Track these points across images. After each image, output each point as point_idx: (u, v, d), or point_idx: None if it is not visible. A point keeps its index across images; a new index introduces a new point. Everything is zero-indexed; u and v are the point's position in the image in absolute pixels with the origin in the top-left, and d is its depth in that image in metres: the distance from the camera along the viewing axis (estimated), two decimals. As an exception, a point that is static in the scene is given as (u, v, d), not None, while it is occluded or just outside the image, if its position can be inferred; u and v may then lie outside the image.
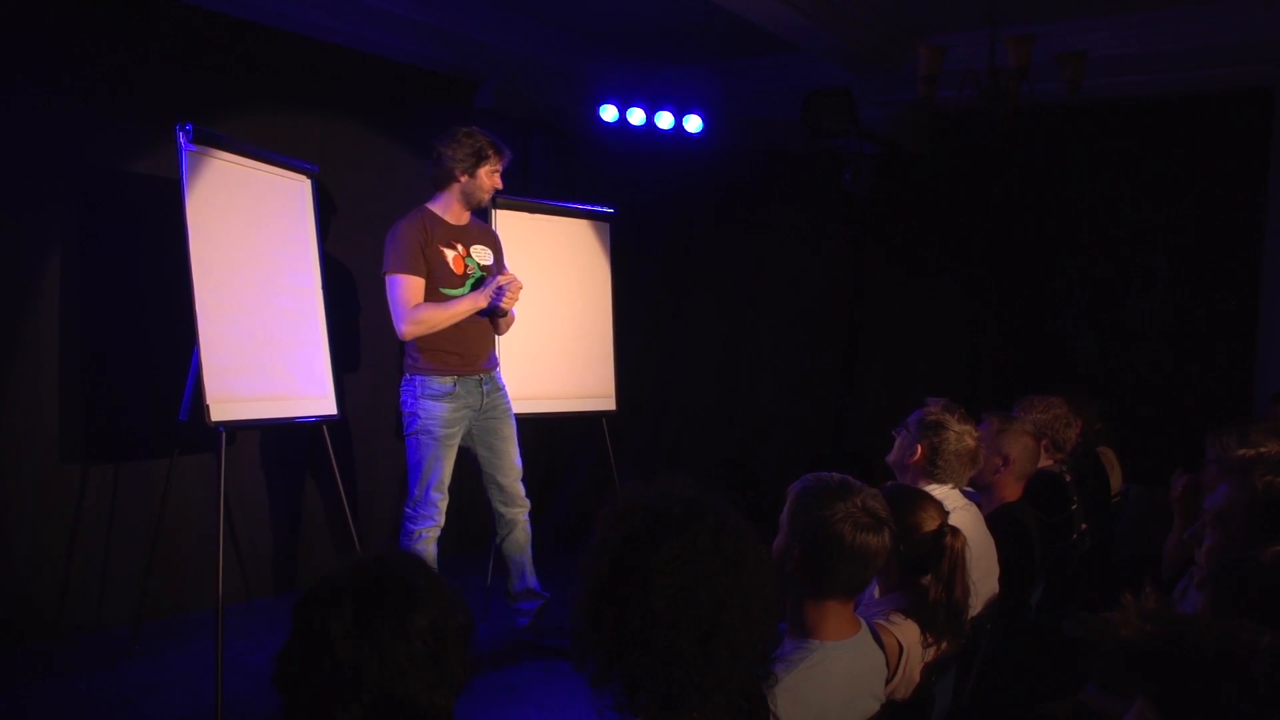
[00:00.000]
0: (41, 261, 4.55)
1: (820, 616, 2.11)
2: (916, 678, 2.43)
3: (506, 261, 4.73)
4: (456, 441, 4.50)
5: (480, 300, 4.41)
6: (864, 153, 6.24)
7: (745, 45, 6.44)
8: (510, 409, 4.70)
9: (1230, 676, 1.18)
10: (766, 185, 7.28)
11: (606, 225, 6.06)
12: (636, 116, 6.52)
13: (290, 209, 4.84)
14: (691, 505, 1.58)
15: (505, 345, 5.17)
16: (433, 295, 4.44)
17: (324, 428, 4.80)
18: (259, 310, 4.54)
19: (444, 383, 4.43)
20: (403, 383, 4.52)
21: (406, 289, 4.36)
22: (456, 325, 4.42)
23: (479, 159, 4.46)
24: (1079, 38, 5.51)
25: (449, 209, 4.53)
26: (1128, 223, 6.50)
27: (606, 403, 5.92)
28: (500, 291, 4.41)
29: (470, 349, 4.49)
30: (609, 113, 6.50)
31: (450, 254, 4.49)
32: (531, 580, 4.77)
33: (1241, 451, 3.19)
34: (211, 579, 4.07)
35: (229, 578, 4.73)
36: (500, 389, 4.67)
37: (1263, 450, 2.53)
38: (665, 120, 6.56)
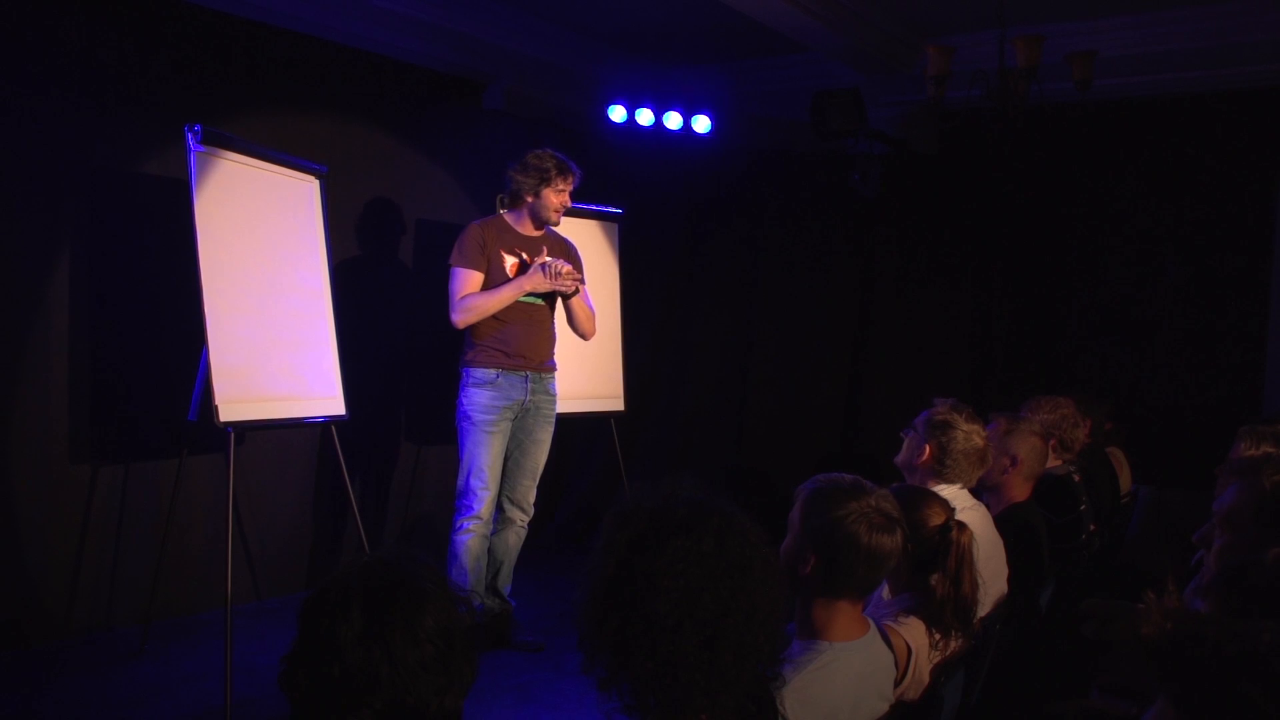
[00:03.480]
0: (51, 262, 4.56)
1: (830, 617, 2.11)
2: (926, 679, 2.43)
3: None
4: (499, 431, 4.62)
5: (524, 284, 4.55)
6: (872, 153, 6.23)
7: (754, 46, 6.43)
8: (553, 415, 4.81)
9: (1252, 676, 1.18)
10: (775, 185, 7.28)
11: (615, 225, 6.06)
12: (645, 117, 6.53)
13: (299, 209, 4.85)
14: (696, 507, 1.58)
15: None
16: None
17: (333, 428, 4.81)
18: (268, 310, 4.55)
19: (487, 373, 4.60)
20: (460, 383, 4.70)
21: (462, 281, 4.56)
22: (506, 322, 4.59)
23: (543, 180, 4.62)
24: (1088, 38, 5.49)
25: (520, 222, 4.71)
26: (1137, 223, 6.48)
27: (615, 403, 5.93)
28: (544, 269, 4.54)
29: (517, 346, 4.63)
30: (617, 113, 6.51)
31: (510, 260, 4.63)
32: (504, 585, 4.84)
33: (1250, 452, 3.19)
34: (221, 579, 4.08)
35: (238, 578, 4.74)
36: (548, 392, 4.77)
37: (1270, 450, 2.52)
38: (673, 121, 6.57)
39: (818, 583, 2.11)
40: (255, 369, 4.39)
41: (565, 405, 5.71)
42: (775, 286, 7.34)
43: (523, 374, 4.64)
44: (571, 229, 5.78)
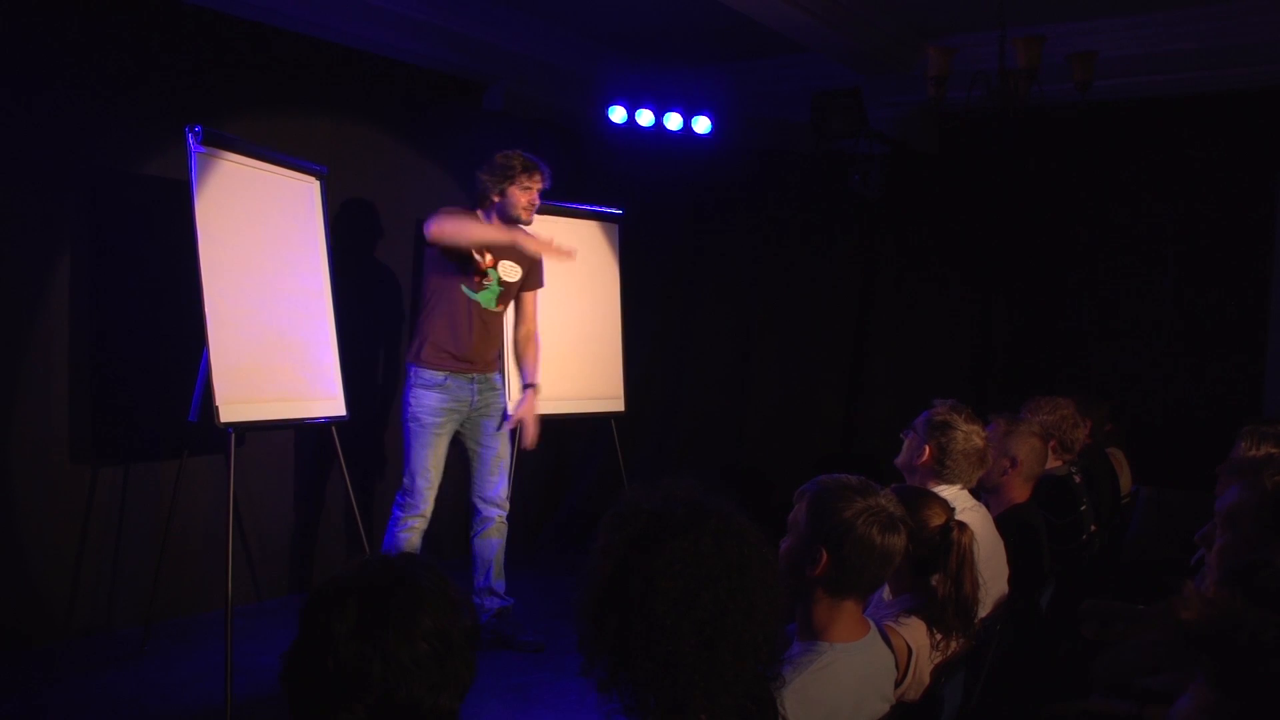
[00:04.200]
0: (51, 262, 4.56)
1: (832, 618, 2.11)
2: (926, 679, 2.43)
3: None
4: (445, 433, 4.67)
5: (519, 237, 4.60)
6: (873, 154, 6.24)
7: (754, 46, 6.44)
8: (504, 411, 4.85)
9: None
10: (775, 186, 7.27)
11: (615, 226, 6.06)
12: (645, 118, 6.53)
13: (299, 210, 4.85)
14: (694, 508, 1.58)
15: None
16: (451, 289, 4.63)
17: (333, 428, 4.81)
18: (268, 311, 4.55)
19: (435, 375, 4.63)
20: (405, 380, 4.72)
21: (446, 210, 4.60)
22: (458, 324, 4.61)
23: (507, 177, 4.65)
24: (1089, 38, 5.50)
25: (489, 222, 4.70)
26: (1137, 223, 6.49)
27: (615, 404, 5.93)
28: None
29: (466, 350, 4.66)
30: (618, 114, 6.51)
31: (477, 257, 4.63)
32: (496, 582, 4.88)
33: (1251, 452, 3.19)
34: (221, 580, 4.08)
35: (239, 579, 4.74)
36: (495, 390, 4.82)
37: (1271, 451, 2.53)
38: (674, 121, 6.57)
39: (826, 583, 2.11)
40: (256, 370, 4.39)
41: (565, 406, 5.73)
42: (775, 287, 7.34)
43: (470, 377, 4.69)
44: (572, 229, 5.81)
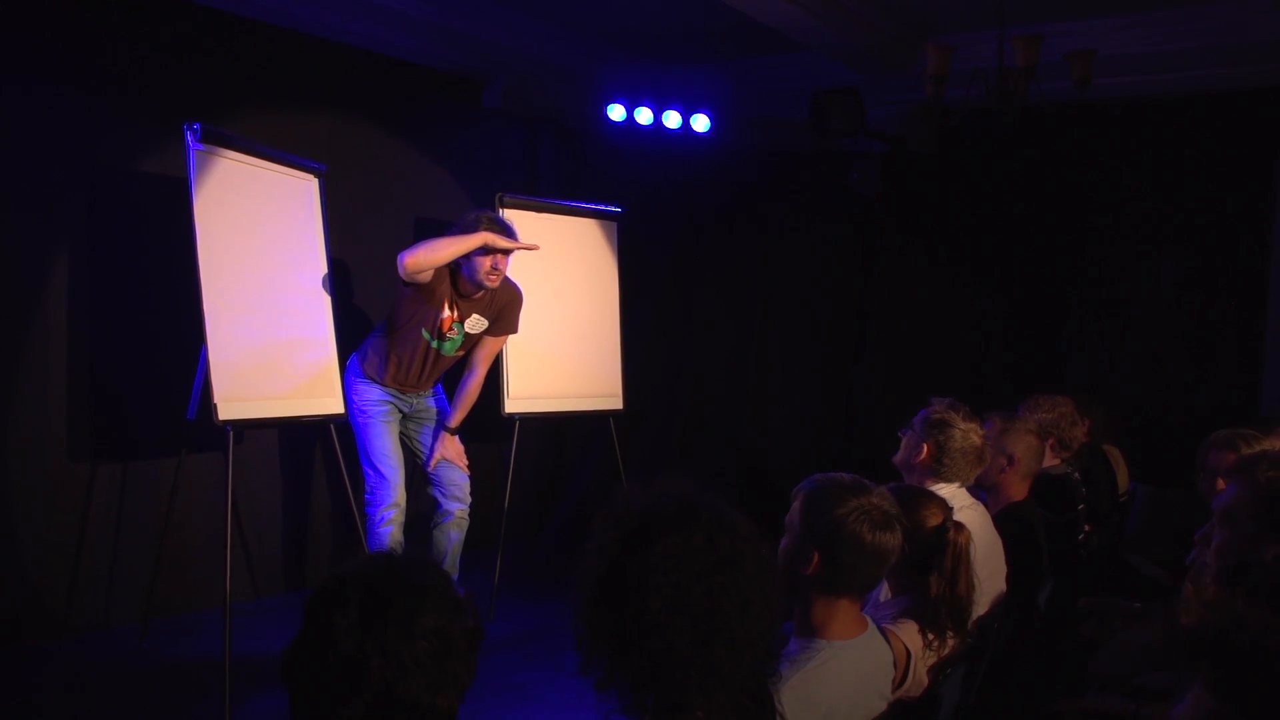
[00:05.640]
0: (49, 260, 4.56)
1: (829, 616, 2.11)
2: (925, 680, 2.43)
3: (510, 273, 4.80)
4: (394, 421, 4.78)
5: (499, 242, 4.50)
6: (871, 152, 6.23)
7: (753, 45, 6.43)
8: (440, 414, 4.93)
9: None
10: (774, 185, 7.27)
11: (614, 224, 6.06)
12: (644, 116, 6.52)
13: (298, 208, 4.85)
14: (687, 505, 1.58)
15: (513, 344, 5.19)
16: (413, 332, 4.64)
17: (331, 426, 4.81)
18: (267, 309, 4.55)
19: (375, 386, 4.74)
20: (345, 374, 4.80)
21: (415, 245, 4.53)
22: (409, 364, 4.68)
23: None
24: (1088, 37, 5.49)
25: (459, 278, 4.65)
26: (1136, 223, 6.48)
27: (614, 402, 5.93)
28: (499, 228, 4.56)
29: (413, 380, 4.76)
30: (616, 112, 6.50)
31: (446, 312, 4.65)
32: (451, 574, 4.82)
33: (1246, 450, 3.20)
34: (219, 577, 4.09)
35: (237, 576, 4.74)
36: (429, 401, 4.91)
37: (1266, 447, 2.53)
38: (673, 120, 6.56)
39: (819, 582, 2.11)
40: (254, 367, 4.39)
41: (563, 404, 5.73)
42: (774, 286, 7.34)
43: (408, 397, 4.81)
44: (569, 227, 5.81)
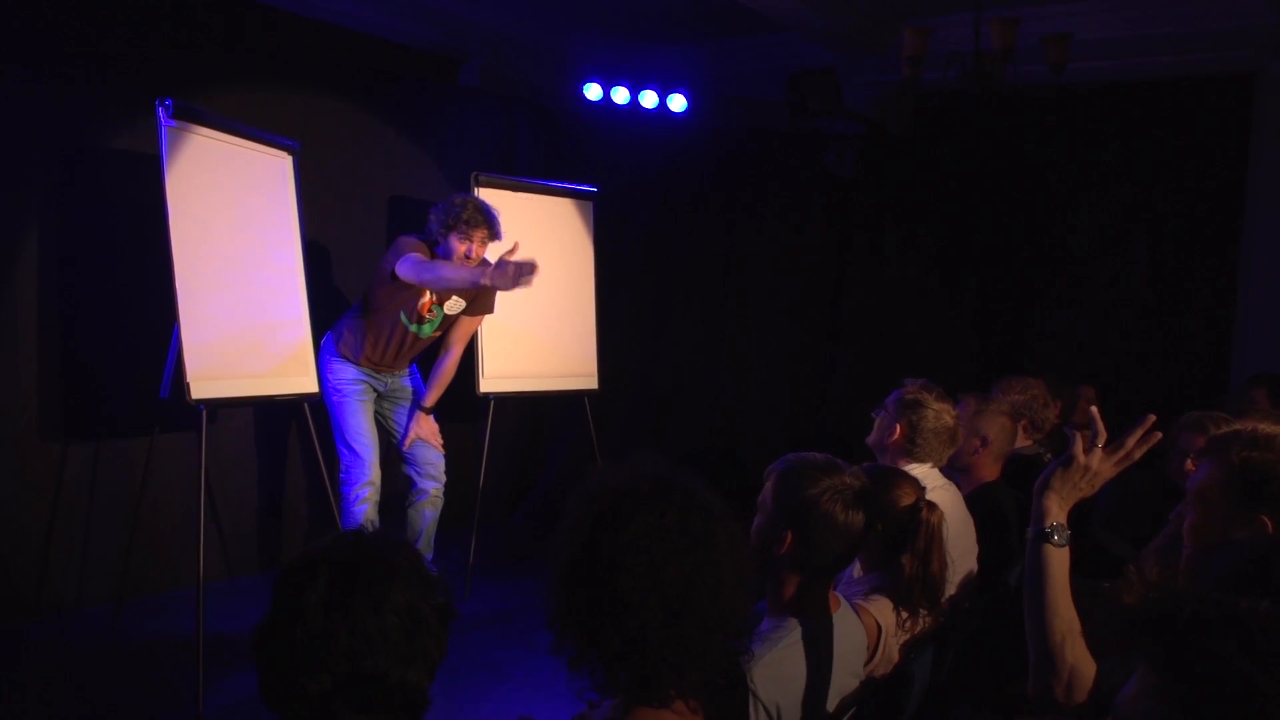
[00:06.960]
0: (19, 238, 4.51)
1: (802, 595, 2.13)
2: (895, 656, 2.45)
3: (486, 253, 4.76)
4: (369, 400, 4.81)
5: (486, 280, 4.18)
6: (848, 133, 6.25)
7: (731, 25, 6.43)
8: (416, 393, 4.95)
9: (1231, 636, 1.23)
10: (750, 165, 7.27)
11: (590, 204, 6.05)
12: (620, 95, 6.51)
13: (272, 186, 4.81)
14: (659, 483, 1.58)
15: (488, 323, 5.19)
16: (391, 315, 4.67)
17: (305, 405, 4.79)
18: (240, 287, 4.51)
19: (349, 365, 4.76)
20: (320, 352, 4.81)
21: (412, 255, 4.46)
22: (385, 344, 4.71)
23: (448, 224, 4.58)
24: (1064, 21, 5.52)
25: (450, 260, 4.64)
26: (1109, 206, 6.54)
27: (589, 381, 5.93)
28: (517, 270, 4.11)
29: (389, 361, 4.80)
30: (593, 91, 6.49)
31: (425, 296, 4.67)
32: (425, 553, 4.93)
33: (1217, 431, 3.23)
34: (193, 557, 4.07)
35: (210, 556, 4.72)
36: (404, 380, 4.94)
37: (1238, 427, 2.56)
38: (649, 99, 6.56)
39: (792, 561, 2.12)
40: (227, 346, 4.37)
41: (539, 383, 5.73)
42: (750, 266, 7.35)
43: (383, 376, 4.84)
44: (545, 207, 5.79)
